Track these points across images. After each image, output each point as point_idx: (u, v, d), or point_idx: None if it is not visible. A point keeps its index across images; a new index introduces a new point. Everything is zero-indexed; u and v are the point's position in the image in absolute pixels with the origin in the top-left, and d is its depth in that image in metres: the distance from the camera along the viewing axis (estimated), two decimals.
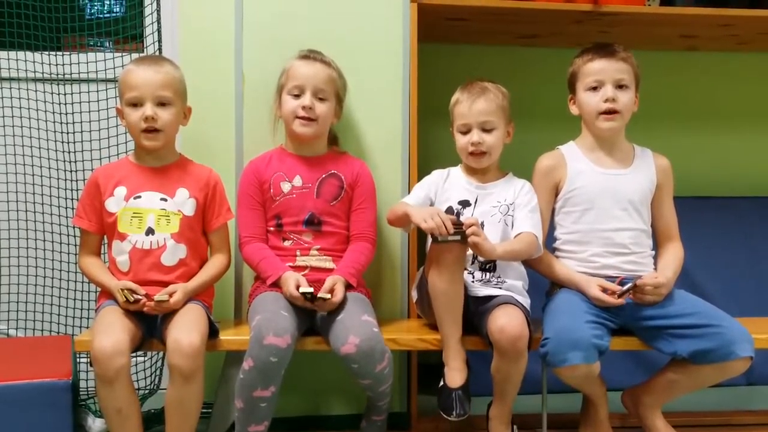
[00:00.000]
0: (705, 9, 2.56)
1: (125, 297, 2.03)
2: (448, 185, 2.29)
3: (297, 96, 2.24)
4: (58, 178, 2.66)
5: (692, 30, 2.75)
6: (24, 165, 2.69)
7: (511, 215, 2.23)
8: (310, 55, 2.27)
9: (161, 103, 2.13)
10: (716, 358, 2.07)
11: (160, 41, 2.53)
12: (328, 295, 2.07)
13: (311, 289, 2.07)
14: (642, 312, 2.16)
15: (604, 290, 2.15)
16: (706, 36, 2.83)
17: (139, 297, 2.04)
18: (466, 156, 2.26)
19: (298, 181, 2.28)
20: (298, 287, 2.08)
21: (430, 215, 2.04)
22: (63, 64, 2.62)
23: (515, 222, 2.22)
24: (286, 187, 2.27)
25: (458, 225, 2.03)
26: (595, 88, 2.25)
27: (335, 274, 2.18)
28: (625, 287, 2.13)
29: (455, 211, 2.23)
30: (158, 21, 2.54)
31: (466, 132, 2.24)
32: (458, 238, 2.03)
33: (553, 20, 2.61)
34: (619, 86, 2.24)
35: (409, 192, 2.37)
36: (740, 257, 2.93)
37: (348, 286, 2.18)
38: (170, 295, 2.05)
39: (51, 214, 2.67)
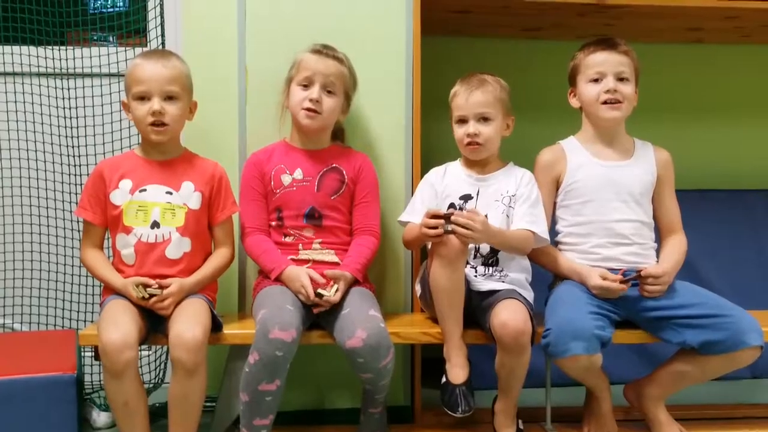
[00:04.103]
0: (710, 1, 2.52)
1: (141, 294, 2.03)
2: (447, 181, 2.28)
3: (306, 87, 2.24)
4: (62, 173, 2.66)
5: (697, 22, 2.74)
6: (28, 159, 2.70)
7: (513, 207, 2.22)
8: (323, 51, 2.26)
9: (168, 98, 2.13)
10: (726, 348, 2.07)
11: (163, 35, 2.54)
12: (326, 292, 2.09)
13: (330, 294, 2.08)
14: (647, 303, 2.16)
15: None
16: (711, 28, 2.81)
17: (155, 292, 2.04)
18: (463, 147, 2.26)
19: (299, 174, 2.28)
20: (314, 288, 2.09)
21: (424, 224, 2.06)
22: (67, 59, 2.63)
23: (514, 217, 2.21)
24: (286, 179, 2.27)
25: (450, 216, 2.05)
26: (596, 80, 2.25)
27: (341, 269, 2.18)
28: (628, 277, 2.13)
29: (457, 207, 2.22)
30: (161, 15, 2.54)
31: (463, 123, 2.24)
32: (449, 228, 2.03)
33: (557, 13, 2.60)
34: (620, 79, 2.24)
35: (412, 186, 2.38)
36: (747, 250, 2.92)
37: (354, 281, 2.18)
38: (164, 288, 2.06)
39: (56, 209, 2.68)
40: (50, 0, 2.58)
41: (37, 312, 2.69)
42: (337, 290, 2.11)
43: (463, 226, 2.02)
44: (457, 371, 2.09)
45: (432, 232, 2.04)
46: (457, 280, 2.06)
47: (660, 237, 2.32)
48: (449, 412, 2.08)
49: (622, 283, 2.13)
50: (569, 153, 2.31)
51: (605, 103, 2.24)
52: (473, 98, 2.22)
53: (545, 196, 2.27)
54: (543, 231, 2.20)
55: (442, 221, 2.03)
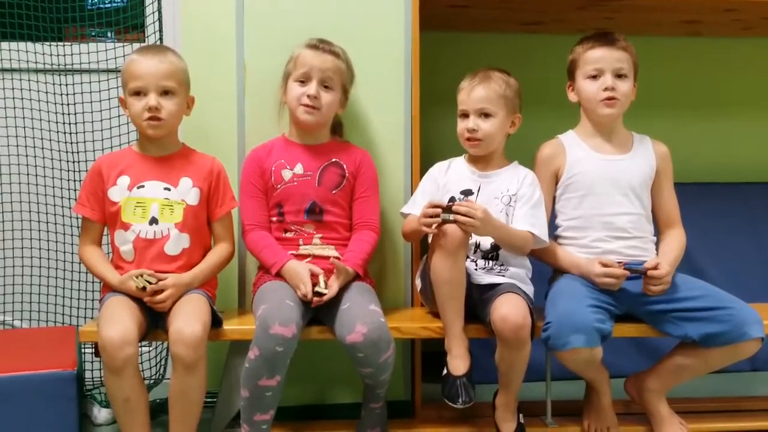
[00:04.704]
0: None
1: (141, 284, 2.03)
2: (450, 175, 2.28)
3: (303, 83, 2.24)
4: (60, 169, 2.66)
5: (696, 15, 2.74)
6: (27, 156, 2.70)
7: (512, 206, 2.22)
8: (319, 45, 2.26)
9: (165, 92, 2.13)
10: (728, 340, 2.08)
11: (161, 31, 2.54)
12: (326, 291, 2.09)
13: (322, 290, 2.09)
14: (647, 296, 2.16)
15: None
16: (710, 21, 2.81)
17: (151, 279, 2.03)
18: (463, 142, 2.26)
19: (299, 168, 2.27)
20: (313, 285, 2.09)
21: (423, 214, 2.06)
22: (64, 55, 2.63)
23: (514, 217, 2.21)
24: (287, 174, 2.27)
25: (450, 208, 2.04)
26: (594, 77, 2.25)
27: (342, 263, 2.18)
28: (636, 268, 2.13)
29: (457, 200, 2.22)
30: (159, 11, 2.54)
31: (465, 118, 2.24)
32: (450, 218, 2.03)
33: (556, 7, 2.60)
34: (618, 75, 2.24)
35: (411, 182, 2.38)
36: (745, 243, 2.93)
37: (355, 276, 2.19)
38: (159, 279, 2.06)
39: (54, 205, 2.68)
40: None
41: (37, 309, 2.69)
42: (327, 284, 2.11)
43: (464, 215, 2.02)
44: (457, 363, 2.09)
45: (430, 221, 2.04)
46: (457, 271, 2.06)
47: (658, 231, 2.32)
48: (450, 404, 2.08)
49: (629, 271, 2.13)
50: (568, 147, 2.31)
51: (602, 100, 2.24)
52: (475, 93, 2.22)
53: (545, 191, 2.27)
54: (543, 233, 2.19)
55: (439, 210, 2.03)
